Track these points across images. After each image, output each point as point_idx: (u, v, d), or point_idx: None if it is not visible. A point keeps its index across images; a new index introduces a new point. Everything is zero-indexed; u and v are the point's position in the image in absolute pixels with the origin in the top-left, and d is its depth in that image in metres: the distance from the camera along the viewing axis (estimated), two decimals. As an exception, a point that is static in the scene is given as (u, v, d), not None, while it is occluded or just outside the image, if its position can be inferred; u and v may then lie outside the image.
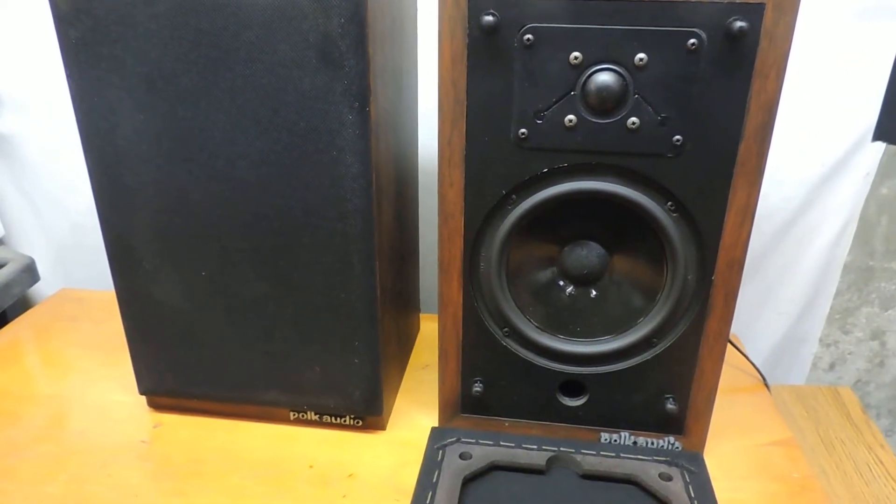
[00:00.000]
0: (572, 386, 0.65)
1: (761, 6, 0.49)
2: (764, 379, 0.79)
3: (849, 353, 1.07)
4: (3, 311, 0.95)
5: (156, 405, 0.74)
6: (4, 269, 0.97)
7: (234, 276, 0.62)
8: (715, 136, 0.53)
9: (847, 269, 1.01)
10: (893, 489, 0.75)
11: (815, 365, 1.07)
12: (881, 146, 0.92)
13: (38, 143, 1.02)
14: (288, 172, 0.57)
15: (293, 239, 0.60)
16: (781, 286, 1.00)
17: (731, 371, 0.80)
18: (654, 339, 0.62)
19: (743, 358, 0.82)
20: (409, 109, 0.73)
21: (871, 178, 0.95)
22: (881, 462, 0.79)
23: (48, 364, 0.84)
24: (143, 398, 0.74)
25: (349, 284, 0.61)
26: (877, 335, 1.05)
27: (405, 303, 0.78)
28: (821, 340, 1.06)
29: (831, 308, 1.03)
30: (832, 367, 1.08)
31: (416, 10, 0.73)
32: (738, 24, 0.49)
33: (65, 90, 0.59)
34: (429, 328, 0.89)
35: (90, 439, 0.69)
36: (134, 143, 0.58)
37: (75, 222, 1.06)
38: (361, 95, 0.53)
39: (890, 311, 1.04)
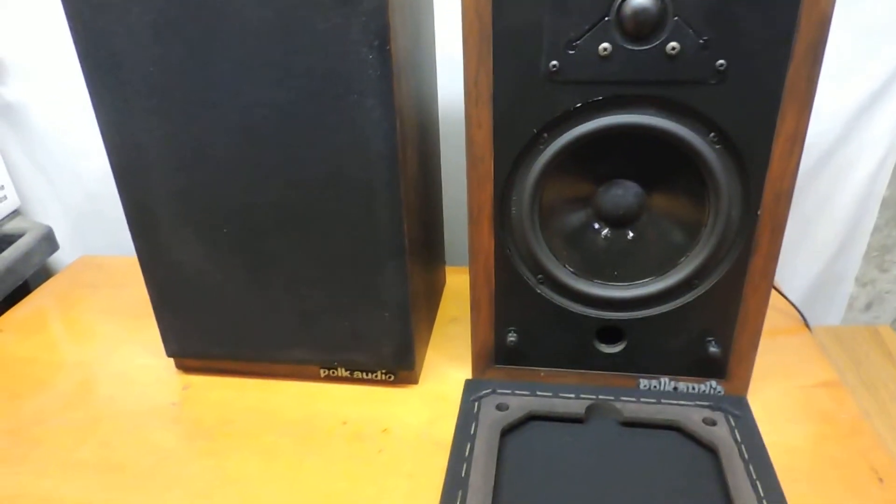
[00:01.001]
0: (610, 332, 0.63)
1: (813, -89, 0.45)
2: (805, 320, 0.76)
3: (886, 293, 1.04)
4: (25, 281, 0.94)
5: (184, 367, 0.73)
6: (23, 239, 0.96)
7: (256, 233, 0.60)
8: (761, 58, 0.50)
9: (885, 204, 0.97)
10: (940, 427, 0.73)
11: (850, 305, 1.04)
12: (924, 72, 0.87)
13: (47, 111, 0.99)
14: (306, 120, 0.54)
15: (315, 191, 0.57)
16: (817, 223, 0.97)
17: (770, 312, 0.77)
18: (696, 281, 0.59)
19: (782, 298, 0.79)
20: (428, 51, 0.69)
21: (912, 108, 0.90)
22: (927, 401, 0.76)
23: (72, 331, 0.83)
24: (171, 361, 0.73)
25: (376, 236, 0.58)
26: (916, 272, 1.02)
27: (431, 255, 0.76)
28: (857, 279, 1.02)
29: (868, 245, 0.99)
30: (869, 306, 1.05)
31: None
32: (789, -68, 0.45)
33: (71, 53, 0.56)
34: (454, 281, 0.87)
35: (119, 404, 0.68)
36: (144, 96, 0.56)
37: (90, 190, 1.04)
38: (380, 33, 0.50)
39: (930, 247, 1.00)
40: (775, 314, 0.78)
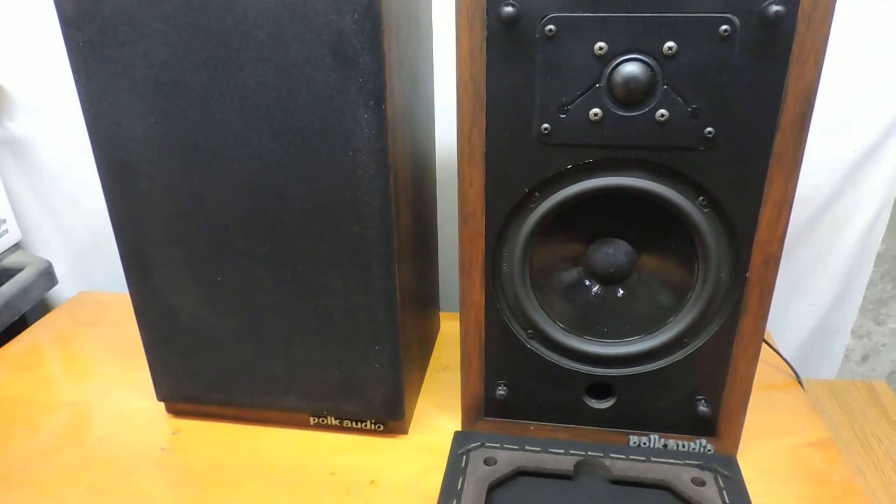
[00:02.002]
0: (600, 388, 0.63)
1: (798, -12, 0.46)
2: (797, 375, 0.76)
3: (882, 345, 1.03)
4: (23, 315, 0.95)
5: (174, 411, 0.73)
6: (22, 274, 0.96)
7: (251, 281, 0.61)
8: (749, 127, 0.51)
9: (881, 258, 0.97)
10: (935, 488, 0.72)
11: (846, 357, 1.04)
12: (917, 128, 0.89)
13: (53, 146, 1.01)
14: (303, 174, 0.55)
15: (310, 242, 0.58)
16: (812, 276, 0.97)
17: (762, 367, 0.77)
18: (685, 340, 0.59)
19: (774, 353, 0.79)
20: (426, 105, 0.71)
21: (905, 164, 0.91)
22: (921, 460, 0.76)
23: (67, 369, 0.83)
24: (162, 404, 0.73)
25: (368, 288, 0.59)
26: (912, 326, 1.02)
27: (425, 302, 0.76)
28: (853, 332, 1.02)
29: (864, 298, 1.00)
30: (865, 359, 1.05)
31: (431, 1, 0.71)
32: (774, 8, 0.46)
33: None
34: (449, 327, 0.88)
35: (110, 447, 0.68)
36: (145, 146, 0.57)
37: (92, 225, 1.06)
38: (377, 93, 0.51)
39: (926, 301, 1.00)
40: (768, 369, 0.78)
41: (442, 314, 0.89)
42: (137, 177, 0.59)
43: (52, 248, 1.10)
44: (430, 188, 0.76)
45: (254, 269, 0.60)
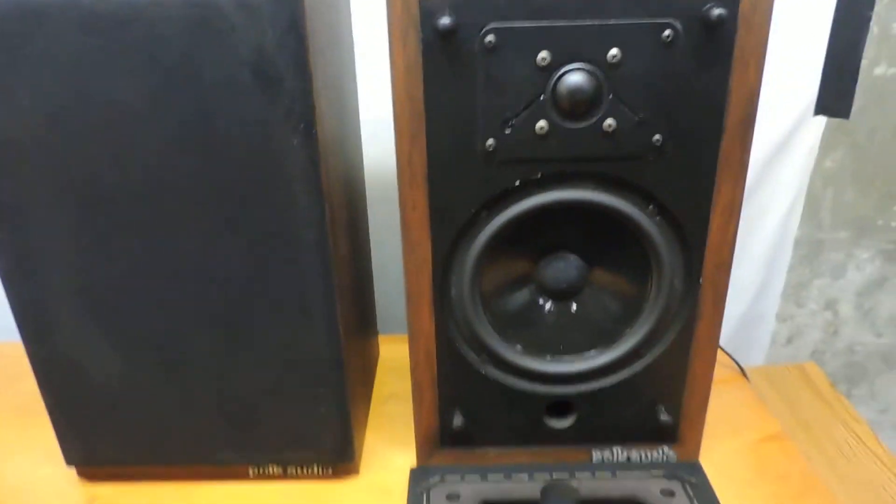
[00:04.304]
0: (559, 406, 0.61)
1: (737, -9, 0.46)
2: (741, 368, 0.77)
3: (805, 326, 1.08)
4: None
5: (88, 476, 0.64)
6: None
7: (174, 331, 0.54)
8: (696, 133, 0.50)
9: (798, 243, 1.01)
10: (875, 464, 0.75)
11: (773, 340, 1.08)
12: (823, 120, 0.92)
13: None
14: (229, 210, 0.49)
15: (241, 285, 0.52)
16: (738, 267, 0.98)
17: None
18: (642, 350, 0.58)
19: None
20: (353, 123, 0.66)
21: (815, 153, 0.95)
22: (859, 437, 0.78)
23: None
24: (73, 469, 0.64)
25: (309, 329, 0.54)
26: (830, 305, 1.07)
27: (365, 332, 0.72)
28: (777, 316, 1.06)
29: (785, 283, 1.03)
30: (790, 340, 1.09)
31: (350, 10, 0.66)
32: (716, 11, 0.45)
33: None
34: (388, 351, 0.83)
35: (17, 530, 0.60)
36: (35, 190, 0.49)
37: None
38: (306, 117, 0.47)
39: (840, 281, 1.05)
40: (712, 365, 0.78)
41: (380, 337, 0.85)
42: (29, 223, 0.51)
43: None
44: (363, 209, 0.72)
45: (177, 317, 0.54)
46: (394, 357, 0.81)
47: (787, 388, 0.90)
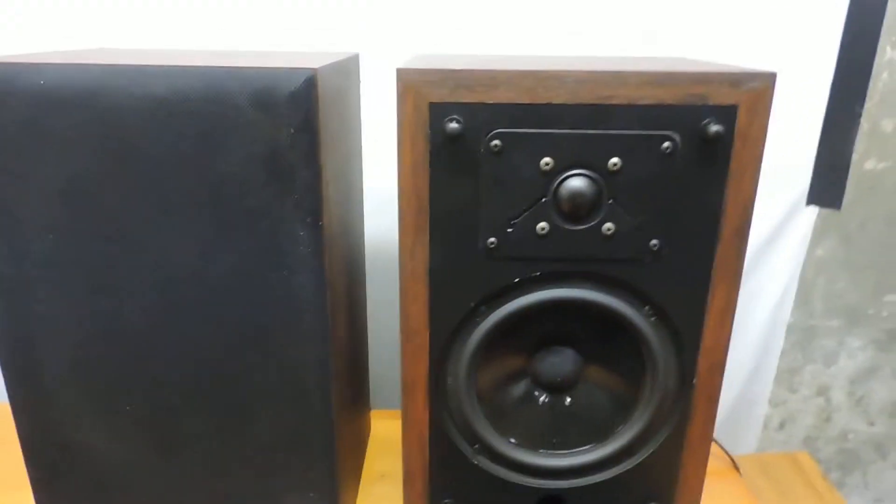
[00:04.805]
0: (551, 500, 0.60)
1: (734, 108, 0.48)
2: (732, 461, 0.77)
3: (798, 411, 1.08)
4: None
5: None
6: None
7: (167, 412, 0.54)
8: (692, 239, 0.51)
9: (790, 329, 1.02)
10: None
11: (766, 425, 1.07)
12: (815, 209, 0.94)
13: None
14: (231, 297, 0.50)
15: (239, 367, 0.52)
16: (731, 350, 1.00)
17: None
18: (635, 447, 0.58)
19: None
20: (356, 199, 0.67)
21: (807, 241, 0.96)
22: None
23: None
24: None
25: (303, 414, 0.54)
26: (822, 391, 1.07)
27: (358, 410, 0.71)
28: (770, 401, 1.06)
29: (778, 368, 1.04)
30: (782, 425, 1.08)
31: (360, 94, 0.68)
32: (714, 127, 0.47)
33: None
34: (380, 427, 0.82)
35: None
36: (43, 266, 0.50)
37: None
38: (314, 210, 0.48)
39: (832, 368, 1.05)
40: (704, 455, 0.78)
41: (373, 412, 0.84)
42: (31, 298, 0.51)
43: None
44: (361, 284, 0.73)
45: (171, 398, 0.54)
46: (386, 435, 0.80)
47: (779, 478, 0.89)
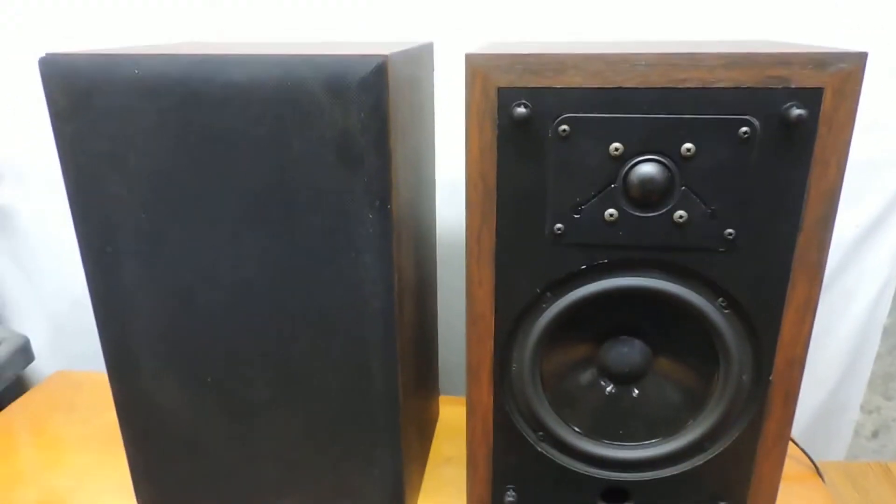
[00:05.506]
0: (615, 492, 0.59)
1: (819, 90, 0.45)
2: (815, 466, 0.73)
3: (893, 420, 1.01)
4: (-2, 396, 0.90)
5: (157, 513, 0.68)
6: (-2, 352, 0.91)
7: (242, 382, 0.57)
8: (771, 228, 0.49)
9: (887, 331, 0.95)
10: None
11: (857, 433, 1.01)
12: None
13: (38, 216, 0.97)
14: (302, 275, 0.52)
15: (307, 344, 0.55)
16: (818, 353, 0.95)
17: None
18: (706, 443, 0.56)
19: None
20: (428, 189, 0.68)
21: (907, 236, 0.90)
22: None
23: (40, 459, 0.78)
24: (142, 505, 0.68)
25: (368, 392, 0.55)
26: (921, 400, 0.99)
27: (425, 393, 0.73)
28: (862, 407, 1.00)
29: (872, 373, 0.97)
30: (875, 434, 1.02)
31: (433, 85, 0.69)
32: (796, 111, 0.45)
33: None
34: (448, 413, 0.83)
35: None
36: (133, 243, 0.54)
37: (75, 298, 1.01)
38: (383, 193, 0.49)
39: (934, 375, 0.98)
40: (784, 459, 0.74)
41: (441, 398, 0.85)
42: (125, 273, 0.55)
43: (30, 319, 1.05)
44: (432, 272, 0.74)
45: (246, 371, 0.57)
46: (455, 421, 0.81)
47: (868, 489, 0.84)
